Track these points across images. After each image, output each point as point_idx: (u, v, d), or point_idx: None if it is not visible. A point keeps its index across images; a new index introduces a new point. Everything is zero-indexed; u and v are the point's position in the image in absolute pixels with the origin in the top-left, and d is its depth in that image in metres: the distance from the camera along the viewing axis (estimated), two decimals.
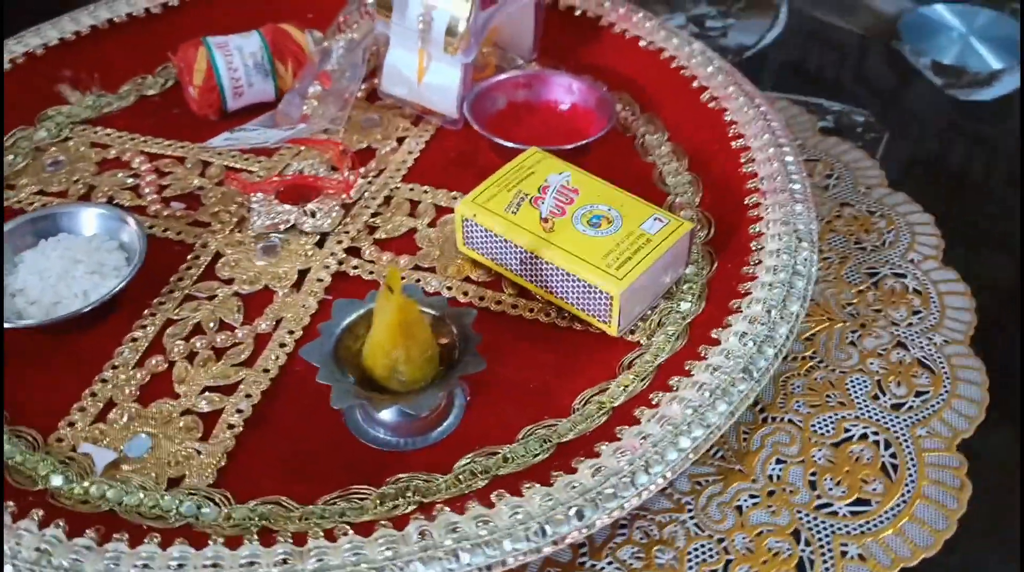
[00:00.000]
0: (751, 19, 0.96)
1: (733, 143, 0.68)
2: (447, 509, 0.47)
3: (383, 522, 0.47)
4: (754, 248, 0.60)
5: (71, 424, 0.53)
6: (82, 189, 0.69)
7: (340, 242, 0.64)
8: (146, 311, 0.59)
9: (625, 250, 0.56)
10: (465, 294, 0.60)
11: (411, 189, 0.68)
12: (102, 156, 0.72)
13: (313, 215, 0.65)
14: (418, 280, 0.61)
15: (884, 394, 0.58)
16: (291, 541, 0.46)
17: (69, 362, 0.57)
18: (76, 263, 0.59)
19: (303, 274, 0.62)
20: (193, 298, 0.61)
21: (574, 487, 0.47)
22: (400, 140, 0.73)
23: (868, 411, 0.57)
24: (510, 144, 0.67)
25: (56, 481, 0.50)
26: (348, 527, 0.46)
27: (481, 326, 0.53)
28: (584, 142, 0.69)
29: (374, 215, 0.66)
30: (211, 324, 0.59)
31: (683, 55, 0.76)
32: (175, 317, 0.59)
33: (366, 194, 0.68)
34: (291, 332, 0.58)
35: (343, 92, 0.71)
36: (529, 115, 0.74)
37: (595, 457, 0.49)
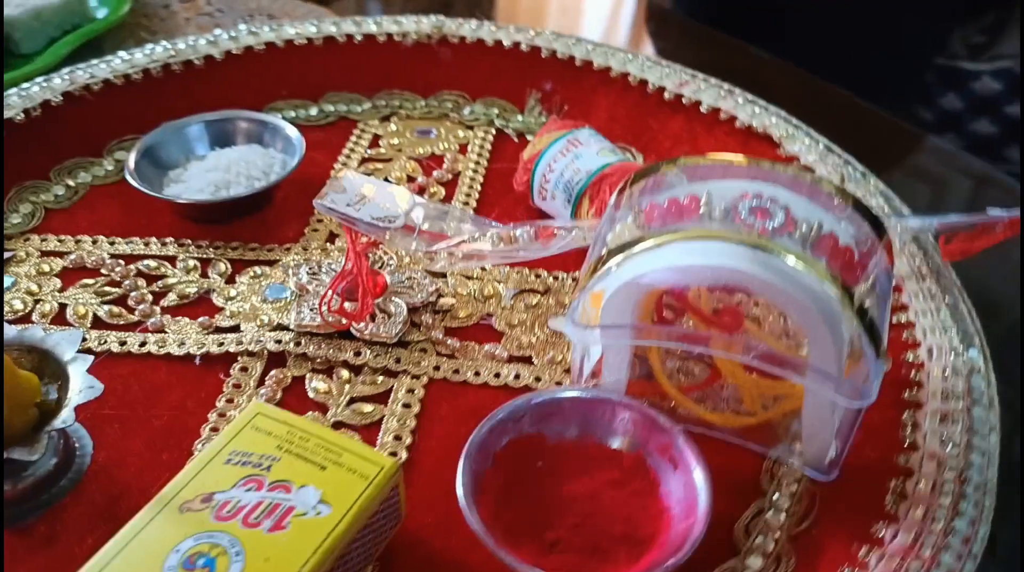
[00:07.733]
0: None
1: None
2: None
3: None
4: None
5: None
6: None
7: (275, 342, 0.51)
8: (189, 242, 0.59)
9: None
10: None
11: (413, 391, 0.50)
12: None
13: (301, 311, 0.53)
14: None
15: None
16: None
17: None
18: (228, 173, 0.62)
19: (231, 330, 0.53)
20: (208, 263, 0.57)
21: None
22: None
23: None
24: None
25: None
26: None
27: None
28: None
29: (324, 371, 0.51)
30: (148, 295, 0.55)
31: None
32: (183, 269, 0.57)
33: (384, 349, 0.52)
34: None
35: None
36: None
37: None
